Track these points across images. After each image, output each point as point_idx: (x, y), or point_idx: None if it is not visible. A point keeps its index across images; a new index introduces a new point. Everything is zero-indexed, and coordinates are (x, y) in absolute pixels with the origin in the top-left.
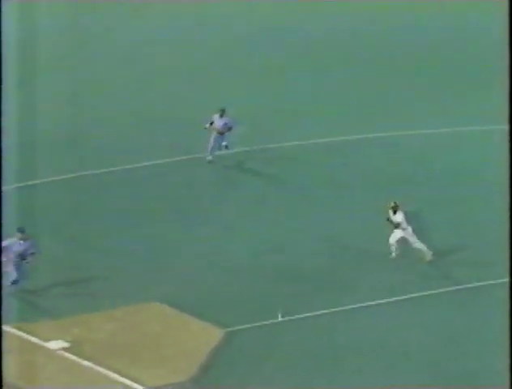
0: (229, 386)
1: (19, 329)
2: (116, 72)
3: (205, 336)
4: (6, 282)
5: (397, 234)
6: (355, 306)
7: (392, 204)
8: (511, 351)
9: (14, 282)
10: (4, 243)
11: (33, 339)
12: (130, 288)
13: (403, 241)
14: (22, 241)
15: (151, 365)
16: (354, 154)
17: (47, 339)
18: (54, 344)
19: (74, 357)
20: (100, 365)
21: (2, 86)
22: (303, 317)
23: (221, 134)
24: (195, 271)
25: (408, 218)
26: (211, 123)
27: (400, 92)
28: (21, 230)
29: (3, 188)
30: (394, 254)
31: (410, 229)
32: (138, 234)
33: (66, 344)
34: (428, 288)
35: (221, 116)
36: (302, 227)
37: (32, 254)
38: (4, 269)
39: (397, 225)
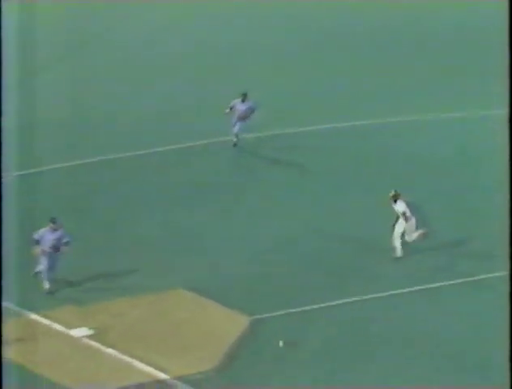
0: (250, 386)
1: (44, 316)
2: (141, 55)
3: (230, 324)
4: (43, 272)
5: (400, 227)
6: (382, 295)
7: (392, 193)
8: (511, 351)
9: (49, 272)
10: (37, 235)
11: (57, 327)
12: (154, 274)
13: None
14: (54, 231)
15: (175, 354)
16: (377, 138)
17: (71, 327)
18: (78, 332)
19: (97, 345)
20: (123, 353)
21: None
22: (331, 305)
23: (244, 118)
24: (220, 257)
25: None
26: (231, 108)
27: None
28: (53, 220)
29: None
30: (399, 253)
31: (413, 220)
32: (163, 220)
33: (89, 332)
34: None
35: (243, 101)
36: (327, 214)
37: (66, 243)
38: (40, 260)
39: (400, 215)
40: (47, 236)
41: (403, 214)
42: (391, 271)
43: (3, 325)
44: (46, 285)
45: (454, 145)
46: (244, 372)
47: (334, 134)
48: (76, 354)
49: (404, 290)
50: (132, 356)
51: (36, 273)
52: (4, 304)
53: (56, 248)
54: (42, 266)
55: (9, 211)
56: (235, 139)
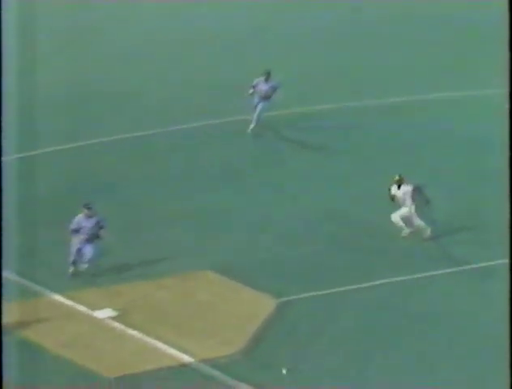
0: (277, 369)
1: (67, 297)
2: (166, 33)
3: (257, 306)
4: (83, 261)
5: (402, 211)
6: (411, 277)
7: (396, 177)
8: (511, 351)
9: (90, 260)
10: (74, 225)
11: (80, 308)
12: (180, 255)
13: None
14: (90, 218)
15: (201, 336)
16: (406, 116)
17: (94, 308)
18: (102, 313)
19: (121, 327)
20: (148, 335)
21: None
22: (359, 287)
23: (267, 98)
24: (247, 238)
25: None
26: (254, 87)
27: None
28: (87, 206)
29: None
30: (406, 231)
31: (413, 207)
32: (188, 200)
33: (113, 313)
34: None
35: (266, 79)
36: (355, 194)
37: (102, 228)
38: (80, 248)
39: (401, 201)
40: (83, 223)
41: (417, 188)
42: (418, 252)
43: (24, 305)
44: (71, 270)
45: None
46: (271, 355)
47: (359, 113)
48: (99, 336)
49: (437, 272)
50: (157, 338)
51: (73, 262)
52: (25, 283)
53: (95, 235)
54: (72, 255)
55: (31, 190)
56: (253, 124)
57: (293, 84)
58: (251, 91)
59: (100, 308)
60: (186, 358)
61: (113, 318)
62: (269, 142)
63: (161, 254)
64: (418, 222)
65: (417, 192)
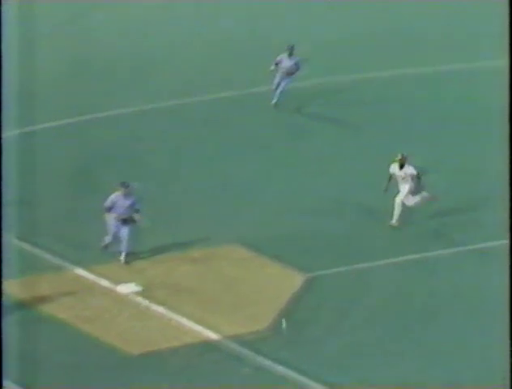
0: (305, 346)
1: (90, 271)
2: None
3: (285, 281)
4: (121, 249)
5: (405, 189)
6: (446, 252)
7: (399, 157)
8: (511, 349)
9: (127, 246)
10: (109, 202)
11: (103, 283)
12: (206, 228)
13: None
14: (127, 197)
15: (227, 312)
16: (437, 86)
17: (118, 283)
18: (125, 288)
19: (145, 302)
20: (173, 310)
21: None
22: (391, 262)
23: (290, 74)
24: (274, 211)
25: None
26: (277, 64)
27: None
28: (125, 185)
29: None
30: (395, 222)
31: (407, 188)
32: (214, 172)
33: (137, 288)
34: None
35: (290, 55)
36: (381, 168)
37: (137, 210)
38: (109, 230)
39: (400, 181)
40: (120, 202)
41: (418, 177)
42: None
43: (44, 279)
44: (122, 258)
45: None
46: (299, 331)
47: (387, 84)
48: (122, 312)
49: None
50: (181, 314)
51: (106, 246)
52: (46, 257)
53: (130, 218)
54: (110, 236)
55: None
56: (275, 100)
57: (317, 55)
58: (272, 67)
59: (124, 283)
60: (212, 335)
61: (137, 294)
62: (292, 116)
63: (187, 228)
64: (417, 199)
65: (418, 179)
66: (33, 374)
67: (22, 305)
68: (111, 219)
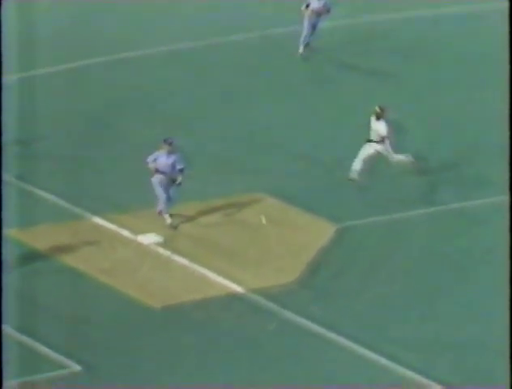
0: (335, 300)
1: (109, 220)
2: None
3: (314, 232)
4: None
5: (371, 148)
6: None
7: (377, 109)
8: (511, 349)
9: (167, 202)
10: (151, 158)
11: (123, 232)
12: (230, 177)
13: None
14: (170, 155)
15: (253, 264)
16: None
17: (138, 233)
18: (146, 238)
19: (167, 253)
20: (196, 262)
21: None
22: (424, 212)
23: (319, 15)
24: (303, 161)
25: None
26: (307, 6)
27: None
28: (168, 141)
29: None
30: (355, 176)
31: (387, 143)
32: (240, 119)
33: (159, 239)
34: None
35: None
36: (411, 117)
37: (181, 170)
38: (162, 193)
39: (379, 136)
40: (161, 159)
41: (385, 138)
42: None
43: (63, 227)
44: (168, 220)
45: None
46: (328, 285)
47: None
48: (144, 263)
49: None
50: (205, 266)
51: (161, 211)
52: (63, 205)
53: (172, 178)
54: (161, 202)
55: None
56: (301, 49)
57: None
58: (303, 8)
59: (145, 233)
60: (237, 288)
61: (158, 244)
62: (321, 61)
63: (212, 175)
64: (397, 158)
65: (384, 140)
66: (50, 327)
67: (39, 255)
68: (157, 181)
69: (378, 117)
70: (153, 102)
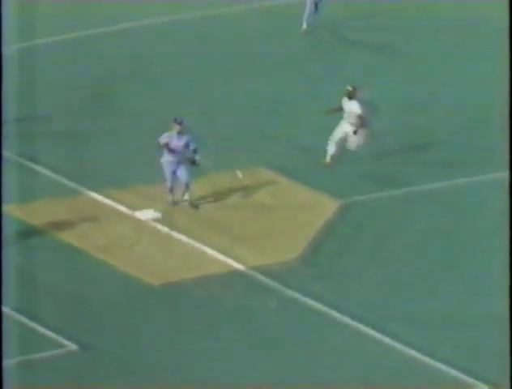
0: (338, 278)
1: (106, 196)
2: None
3: (317, 208)
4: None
5: (343, 129)
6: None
7: (348, 88)
8: (511, 346)
9: (187, 187)
10: (161, 138)
11: (120, 208)
12: (230, 151)
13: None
14: (181, 135)
15: (254, 241)
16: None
17: (136, 209)
18: (144, 214)
19: (166, 229)
20: (196, 239)
21: None
22: (431, 188)
23: None
24: (306, 135)
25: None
26: None
27: None
28: (178, 121)
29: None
30: (329, 159)
31: (347, 128)
32: (240, 90)
33: (157, 215)
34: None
35: None
36: (415, 94)
37: (195, 150)
38: (170, 175)
39: (352, 117)
40: (173, 141)
41: (361, 117)
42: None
43: (58, 203)
44: (187, 203)
45: None
46: (331, 263)
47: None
48: (141, 239)
49: None
50: (205, 243)
51: (171, 190)
52: (59, 179)
53: (189, 159)
54: (169, 182)
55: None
56: (305, 25)
57: None
58: None
59: (142, 209)
60: (237, 265)
61: (157, 220)
62: (325, 34)
63: (211, 149)
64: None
65: (360, 120)
66: (46, 305)
67: (34, 231)
68: (167, 163)
69: (350, 97)
70: (153, 74)
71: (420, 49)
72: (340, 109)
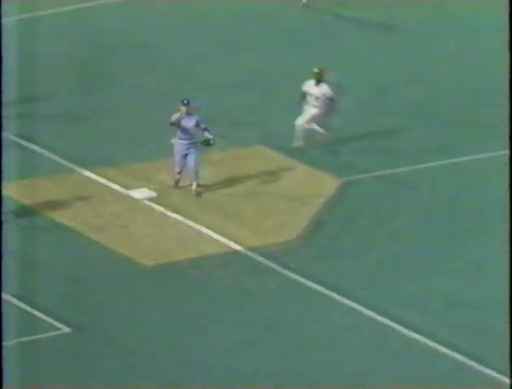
0: (338, 259)
1: (99, 175)
2: None
3: (317, 186)
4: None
5: (310, 112)
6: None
7: (316, 70)
8: (511, 344)
9: (196, 173)
10: (174, 117)
11: (114, 187)
12: (229, 126)
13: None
14: (189, 116)
15: (251, 220)
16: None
17: (130, 187)
18: (138, 193)
19: (161, 209)
20: (191, 219)
21: None
22: (434, 166)
23: None
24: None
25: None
26: None
27: None
28: (186, 102)
29: None
30: (299, 141)
31: (315, 111)
32: (238, 67)
33: (151, 194)
34: None
35: None
36: (418, 70)
37: (205, 129)
38: (179, 158)
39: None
40: (184, 121)
41: (331, 99)
42: None
43: (52, 181)
44: (193, 188)
45: None
46: (331, 243)
47: None
48: (136, 219)
49: None
50: (201, 222)
51: (180, 172)
52: (51, 157)
53: (202, 141)
54: (177, 166)
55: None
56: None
57: None
58: None
59: (137, 187)
60: (234, 246)
61: (151, 200)
62: (324, 13)
63: (207, 125)
64: (316, 127)
65: (331, 102)
66: (39, 286)
67: (26, 211)
68: (179, 145)
69: (318, 80)
70: (149, 49)
71: (422, 26)
72: (304, 96)
